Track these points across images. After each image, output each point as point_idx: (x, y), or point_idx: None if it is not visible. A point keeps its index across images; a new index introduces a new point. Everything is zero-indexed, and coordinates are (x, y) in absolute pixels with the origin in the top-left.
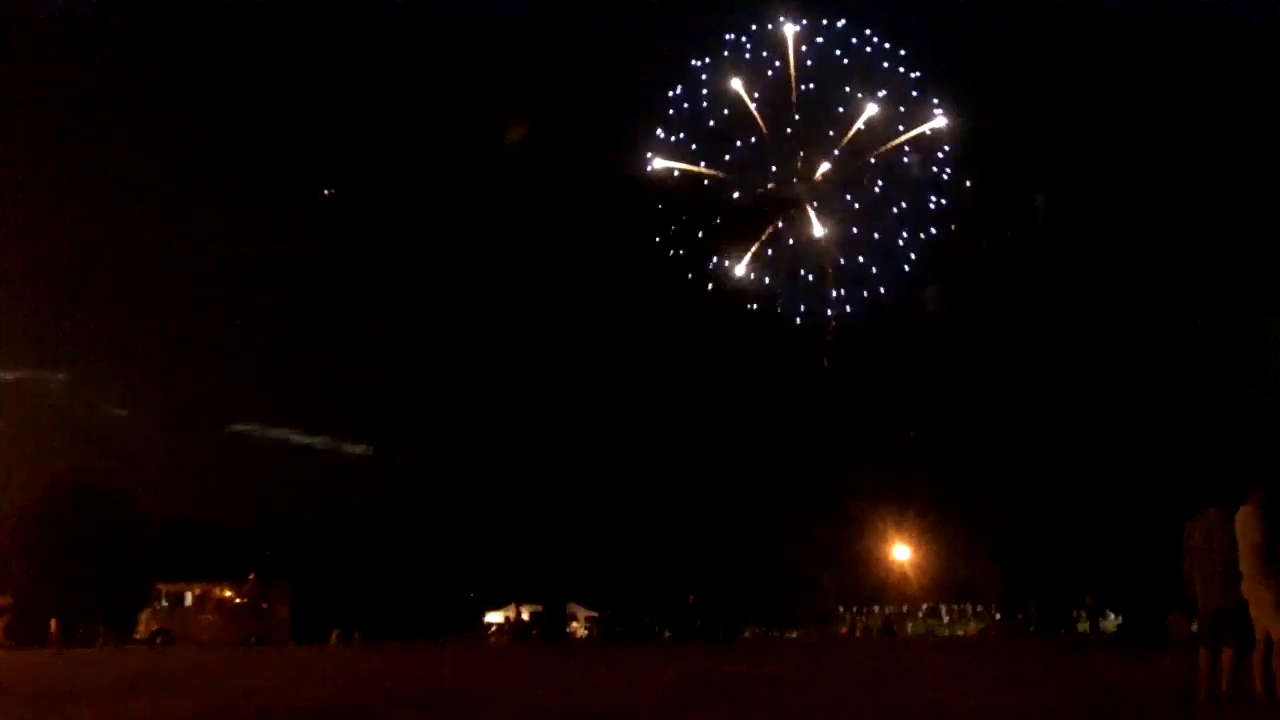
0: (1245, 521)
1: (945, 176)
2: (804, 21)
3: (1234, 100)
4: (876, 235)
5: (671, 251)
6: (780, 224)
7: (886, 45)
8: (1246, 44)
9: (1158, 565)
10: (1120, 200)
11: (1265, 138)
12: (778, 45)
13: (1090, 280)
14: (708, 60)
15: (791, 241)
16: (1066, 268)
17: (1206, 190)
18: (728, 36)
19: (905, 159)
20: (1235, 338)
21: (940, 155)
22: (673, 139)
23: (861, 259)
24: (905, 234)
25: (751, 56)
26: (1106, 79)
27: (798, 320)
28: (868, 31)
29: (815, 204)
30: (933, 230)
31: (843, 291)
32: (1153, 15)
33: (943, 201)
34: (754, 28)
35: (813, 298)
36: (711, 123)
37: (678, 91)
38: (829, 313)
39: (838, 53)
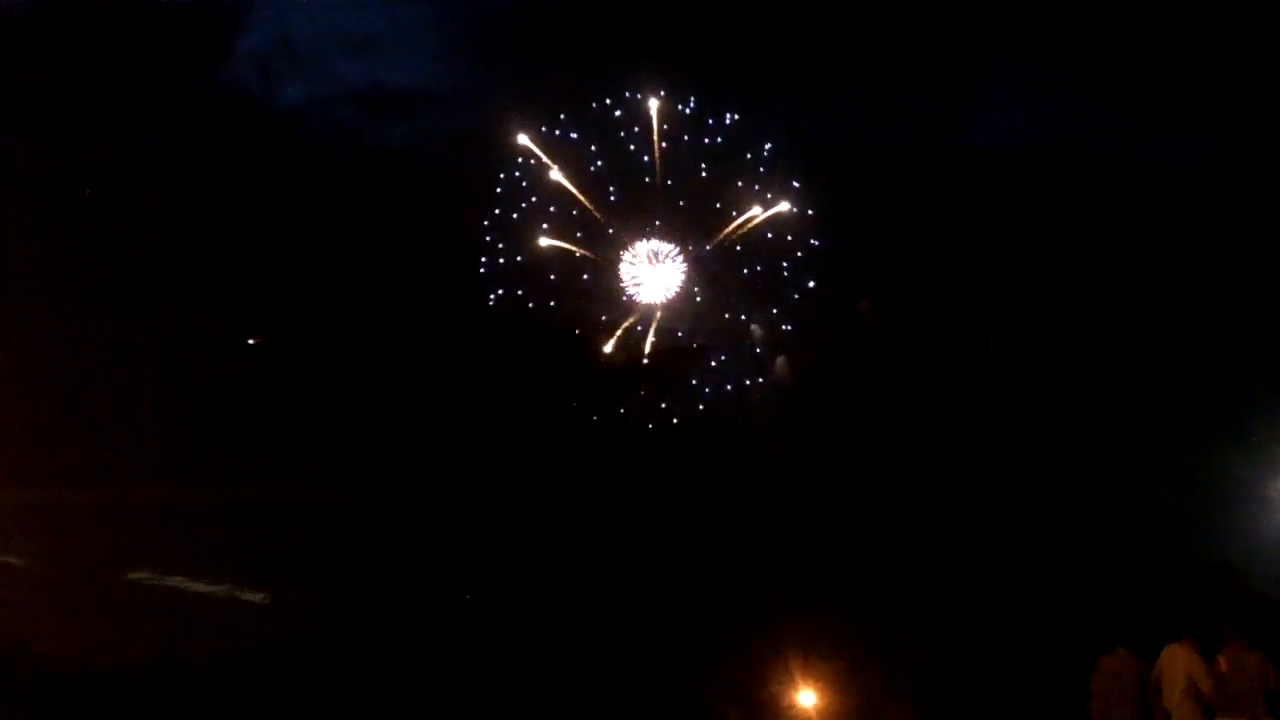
0: (1178, 659)
1: None
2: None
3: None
4: None
5: None
6: None
7: None
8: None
9: (1065, 704)
10: (1036, 333)
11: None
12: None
13: (993, 414)
14: None
15: None
16: (973, 401)
17: (1115, 324)
18: None
19: None
20: (1143, 480)
21: None
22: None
23: None
24: None
25: None
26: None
27: None
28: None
29: None
30: None
31: None
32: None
33: None
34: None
35: None
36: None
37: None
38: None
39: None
